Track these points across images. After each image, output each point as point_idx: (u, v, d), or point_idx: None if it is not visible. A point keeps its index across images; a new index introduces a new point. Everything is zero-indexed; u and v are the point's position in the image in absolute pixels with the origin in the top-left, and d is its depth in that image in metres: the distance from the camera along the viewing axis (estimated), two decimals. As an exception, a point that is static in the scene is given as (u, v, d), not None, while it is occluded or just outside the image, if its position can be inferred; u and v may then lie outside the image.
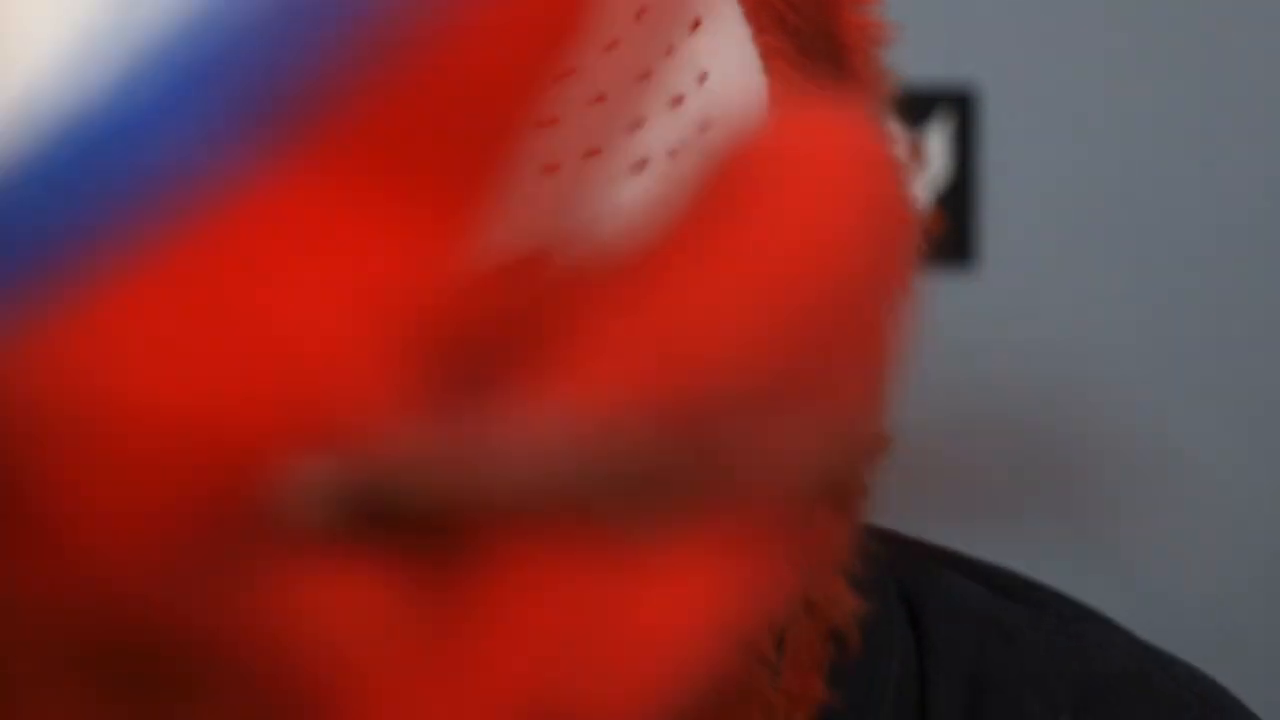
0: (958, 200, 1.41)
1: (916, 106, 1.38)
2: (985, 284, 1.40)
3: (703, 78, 0.36)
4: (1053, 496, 1.40)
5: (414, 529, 0.22)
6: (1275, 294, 1.39)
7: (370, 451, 0.21)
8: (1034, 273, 1.38)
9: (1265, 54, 1.39)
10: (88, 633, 0.22)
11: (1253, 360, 1.39)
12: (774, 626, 0.38)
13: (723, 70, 0.37)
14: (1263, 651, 1.37)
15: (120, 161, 0.23)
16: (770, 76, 0.39)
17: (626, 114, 0.35)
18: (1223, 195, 1.39)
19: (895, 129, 0.44)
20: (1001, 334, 1.51)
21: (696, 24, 0.36)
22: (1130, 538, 1.39)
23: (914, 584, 0.45)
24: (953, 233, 1.41)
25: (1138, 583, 1.33)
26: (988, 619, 0.45)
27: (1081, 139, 1.40)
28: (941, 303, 1.52)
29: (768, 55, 0.40)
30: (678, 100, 0.35)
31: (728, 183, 0.23)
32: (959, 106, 1.40)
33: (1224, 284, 1.39)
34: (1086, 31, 1.41)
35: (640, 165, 0.35)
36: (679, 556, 0.24)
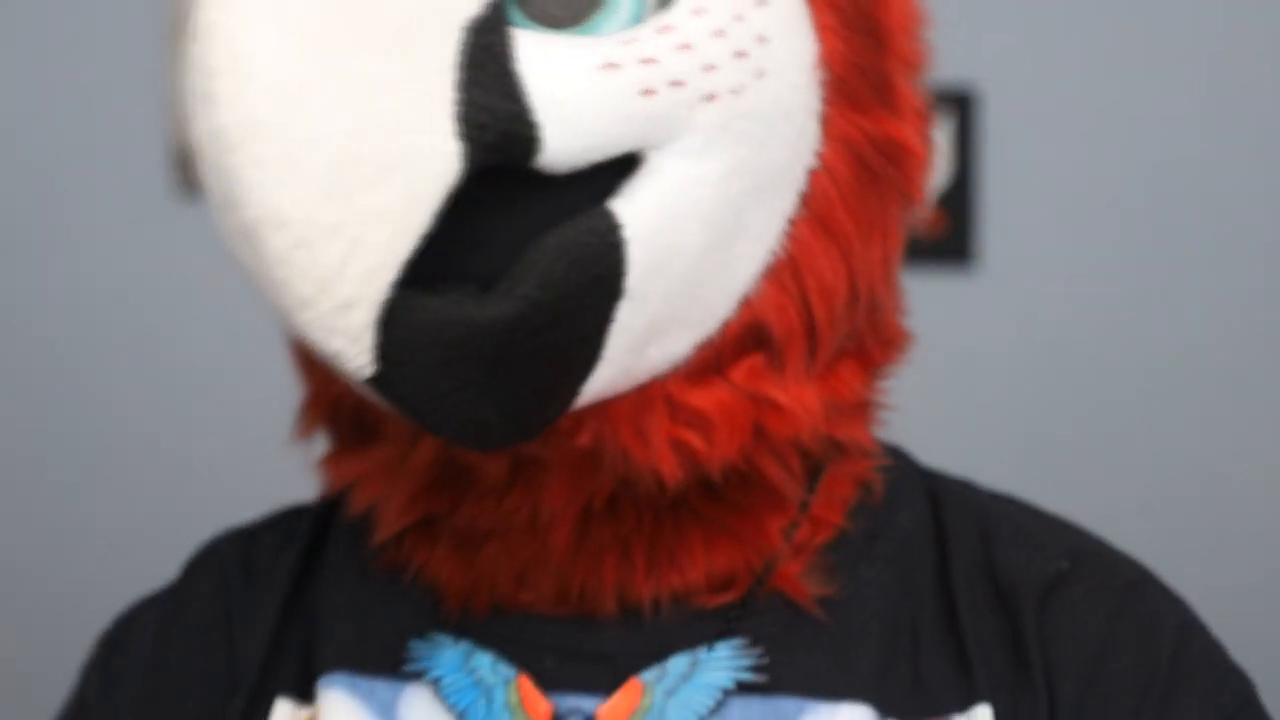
0: (958, 200, 1.41)
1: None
2: (985, 284, 1.40)
3: (762, 39, 0.52)
4: (1052, 496, 1.40)
5: None
6: (1275, 293, 1.39)
7: None
8: (1034, 273, 1.38)
9: (1265, 54, 1.39)
10: None
11: (1253, 359, 1.39)
12: (806, 457, 0.55)
13: (780, 36, 0.52)
14: (1263, 650, 1.37)
15: None
16: (821, 44, 0.54)
17: (703, 59, 0.50)
18: (1222, 194, 1.39)
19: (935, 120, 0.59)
20: (1001, 334, 1.52)
21: (763, 1, 0.52)
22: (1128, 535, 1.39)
23: (935, 482, 0.60)
24: (953, 233, 1.41)
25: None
26: (991, 504, 0.60)
27: (1081, 139, 1.40)
28: (941, 303, 1.53)
29: (820, 29, 0.54)
30: (741, 54, 0.51)
31: None
32: (959, 106, 1.40)
33: (1224, 283, 1.39)
34: (1086, 32, 1.41)
35: (711, 97, 0.50)
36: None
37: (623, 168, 0.50)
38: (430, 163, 0.46)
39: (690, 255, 0.50)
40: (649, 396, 0.51)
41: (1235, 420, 1.39)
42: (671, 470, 0.51)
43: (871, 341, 0.56)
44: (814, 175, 0.53)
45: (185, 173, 1.45)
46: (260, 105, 0.45)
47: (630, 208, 0.49)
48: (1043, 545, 0.58)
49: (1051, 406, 1.39)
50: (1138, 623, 0.56)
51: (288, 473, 1.55)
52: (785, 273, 0.53)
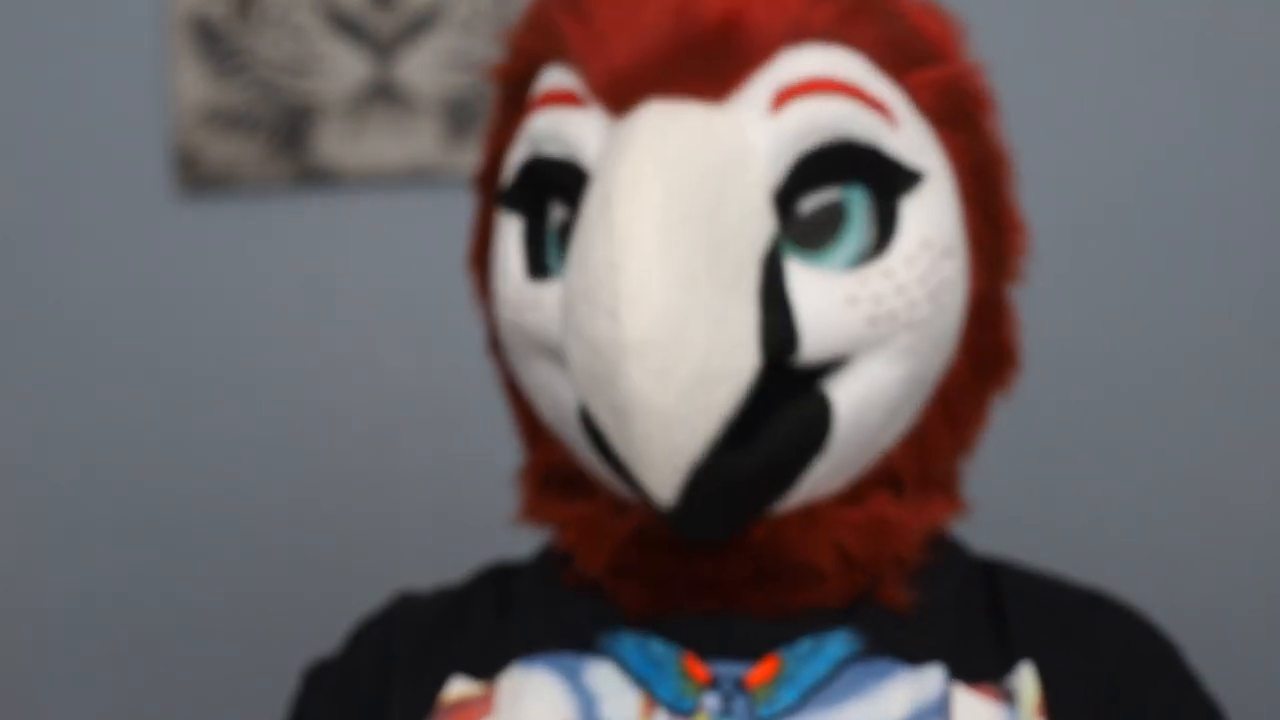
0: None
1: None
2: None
3: (945, 284, 0.72)
4: (1051, 497, 1.40)
5: None
6: (1275, 293, 1.39)
7: None
8: (1034, 273, 1.37)
9: (1266, 54, 1.39)
10: None
11: (1252, 359, 1.39)
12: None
13: (955, 280, 0.72)
14: (1259, 653, 1.37)
15: None
16: None
17: (910, 299, 0.70)
18: (1223, 194, 1.39)
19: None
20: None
21: (949, 253, 0.72)
22: (1128, 535, 1.39)
23: (991, 563, 0.79)
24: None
25: (1137, 581, 1.33)
26: (1036, 575, 0.79)
27: (1082, 139, 1.40)
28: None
29: (973, 271, 0.74)
30: (933, 296, 0.71)
31: None
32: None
33: (1225, 282, 1.39)
34: (1087, 32, 1.41)
35: (910, 326, 0.70)
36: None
37: (836, 360, 0.69)
38: (743, 373, 0.65)
39: (869, 429, 0.71)
40: (812, 513, 0.72)
41: (1236, 420, 1.39)
42: (827, 563, 0.72)
43: (954, 482, 0.78)
44: (948, 374, 0.74)
45: (185, 173, 1.45)
46: (653, 328, 0.62)
47: (841, 393, 0.69)
48: (1073, 585, 0.78)
49: (1050, 406, 1.39)
50: (1155, 648, 0.77)
51: (289, 471, 1.55)
52: (916, 439, 0.74)
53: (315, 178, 1.44)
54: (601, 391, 0.64)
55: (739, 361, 0.64)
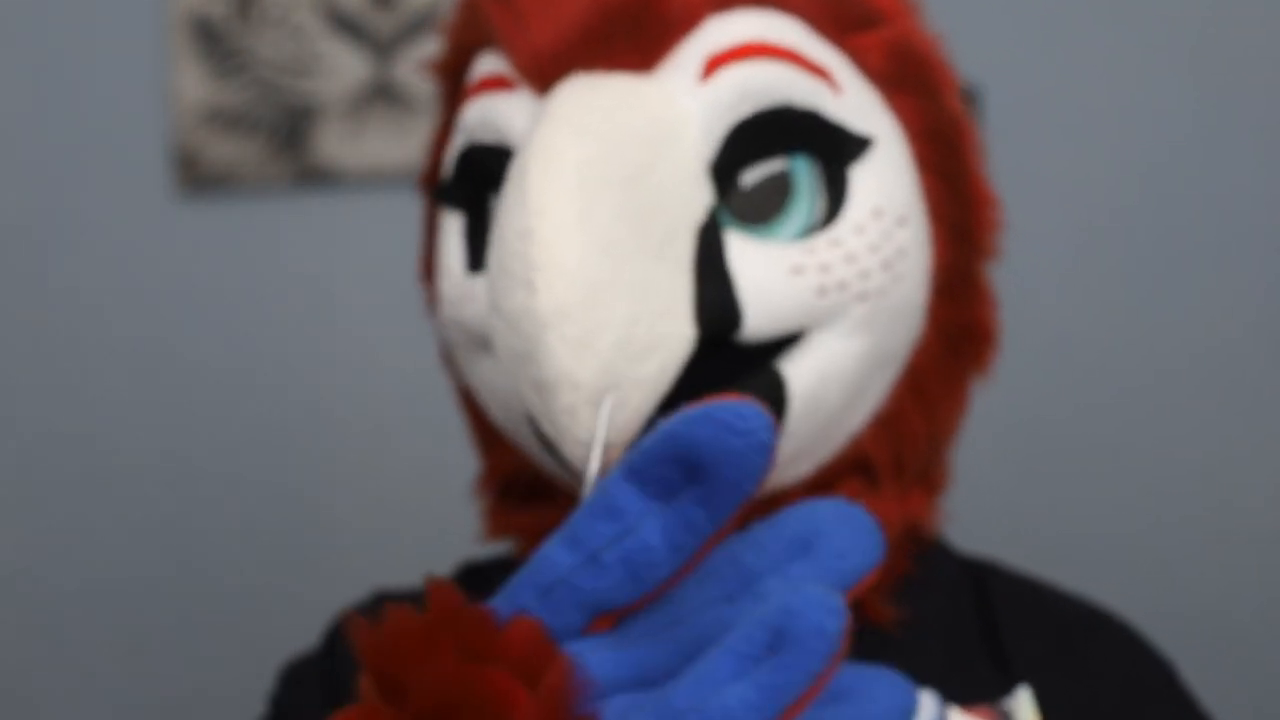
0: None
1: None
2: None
3: (901, 253, 0.67)
4: (1051, 498, 1.40)
5: None
6: (1275, 293, 1.39)
7: None
8: (1035, 273, 1.38)
9: (1265, 54, 1.39)
10: None
11: (1252, 359, 1.39)
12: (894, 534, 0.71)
13: (913, 249, 0.68)
14: (1259, 654, 1.37)
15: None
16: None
17: (861, 268, 0.66)
18: (1222, 194, 1.39)
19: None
20: (1005, 332, 1.50)
21: (903, 222, 0.68)
22: (1128, 536, 1.39)
23: (980, 566, 0.76)
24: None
25: (1137, 582, 1.33)
26: (1029, 584, 0.75)
27: (1083, 139, 1.40)
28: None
29: (935, 241, 0.69)
30: (888, 265, 0.67)
31: None
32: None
33: (1226, 282, 1.39)
34: (1088, 32, 1.41)
35: (863, 297, 0.66)
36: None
37: (789, 337, 0.65)
38: (677, 344, 0.61)
39: (829, 407, 0.67)
40: (777, 501, 0.67)
41: (1237, 421, 1.39)
42: None
43: (935, 473, 0.73)
44: (916, 351, 0.70)
45: (185, 173, 1.45)
46: (568, 296, 0.58)
47: (794, 369, 0.65)
48: (1067, 598, 0.75)
49: (1050, 406, 1.39)
50: (1151, 670, 0.74)
51: (287, 470, 1.54)
52: (887, 422, 0.70)
53: (315, 178, 1.44)
54: (524, 369, 0.59)
55: (669, 331, 0.60)
